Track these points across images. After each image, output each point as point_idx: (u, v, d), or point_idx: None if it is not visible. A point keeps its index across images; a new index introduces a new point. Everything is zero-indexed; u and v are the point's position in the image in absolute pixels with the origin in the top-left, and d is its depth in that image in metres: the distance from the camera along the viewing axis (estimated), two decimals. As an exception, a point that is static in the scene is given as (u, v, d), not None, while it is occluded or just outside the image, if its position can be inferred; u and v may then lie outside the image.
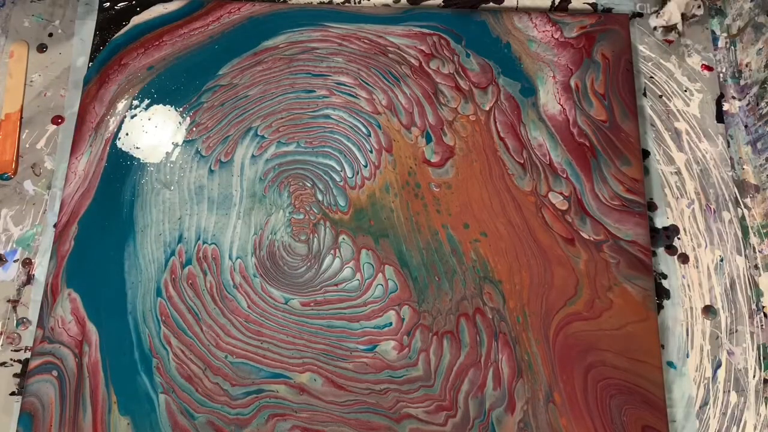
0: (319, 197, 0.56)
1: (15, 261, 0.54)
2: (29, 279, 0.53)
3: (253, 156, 0.59)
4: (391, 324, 0.48)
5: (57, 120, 0.60)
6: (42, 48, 0.62)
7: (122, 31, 0.64)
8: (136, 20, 0.64)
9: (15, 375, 0.51)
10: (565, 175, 0.49)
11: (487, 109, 0.53)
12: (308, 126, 0.60)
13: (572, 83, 0.52)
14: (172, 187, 0.58)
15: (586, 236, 0.47)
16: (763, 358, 0.46)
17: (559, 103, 0.52)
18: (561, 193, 0.49)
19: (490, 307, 0.47)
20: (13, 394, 0.50)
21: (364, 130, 0.57)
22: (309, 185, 0.57)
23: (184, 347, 0.51)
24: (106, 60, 0.63)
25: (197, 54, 0.63)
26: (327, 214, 0.54)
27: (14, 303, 0.53)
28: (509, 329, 0.46)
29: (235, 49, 0.62)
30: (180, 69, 0.62)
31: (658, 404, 0.42)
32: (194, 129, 0.61)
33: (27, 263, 0.54)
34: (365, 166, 0.56)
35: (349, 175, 0.56)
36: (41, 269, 0.54)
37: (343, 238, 0.53)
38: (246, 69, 0.61)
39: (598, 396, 0.43)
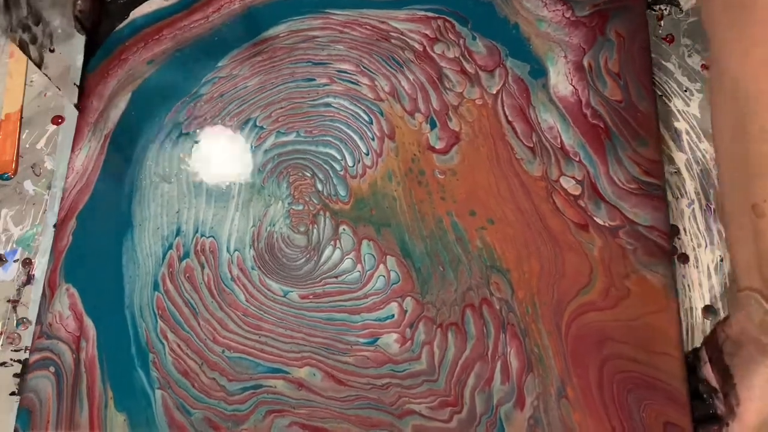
0: (319, 187, 0.55)
1: (15, 261, 0.55)
2: (29, 279, 0.54)
3: (252, 147, 0.60)
4: (393, 316, 0.48)
5: (57, 120, 0.61)
6: (41, 48, 0.61)
7: (122, 25, 0.64)
8: (135, 14, 0.65)
9: (15, 375, 0.52)
10: (577, 159, 0.48)
11: (495, 92, 0.53)
12: (308, 115, 0.60)
13: (585, 63, 0.51)
14: (172, 180, 0.58)
15: (600, 222, 0.46)
16: None
17: (571, 84, 0.51)
18: (573, 178, 0.48)
19: (497, 298, 0.46)
20: (13, 394, 0.51)
21: (365, 117, 0.57)
22: (309, 175, 0.57)
23: (181, 342, 0.51)
24: (106, 55, 0.64)
25: (197, 46, 0.63)
26: (327, 204, 0.54)
27: (14, 303, 0.54)
28: (518, 320, 0.45)
29: (234, 40, 0.63)
30: (179, 62, 0.62)
31: (680, 399, 0.41)
32: (193, 121, 0.61)
33: (27, 263, 0.55)
34: (367, 154, 0.55)
35: (350, 164, 0.55)
36: (41, 269, 0.55)
37: (344, 229, 0.52)
38: (246, 60, 0.61)
39: (614, 390, 0.42)
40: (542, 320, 0.44)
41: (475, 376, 0.44)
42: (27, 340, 0.52)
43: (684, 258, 0.45)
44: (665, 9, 0.55)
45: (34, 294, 0.54)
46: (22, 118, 0.60)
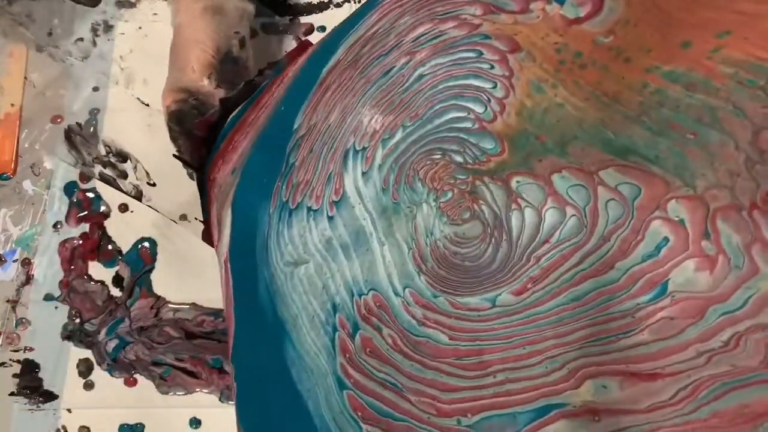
0: (458, 159, 0.39)
1: (14, 261, 0.54)
2: (28, 279, 0.53)
3: (363, 174, 0.45)
4: (666, 240, 0.28)
5: (56, 119, 0.59)
6: (41, 48, 0.61)
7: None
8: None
9: (14, 375, 0.50)
10: None
11: None
12: (403, 103, 0.45)
13: None
14: (305, 259, 0.45)
15: None
16: None
17: None
18: None
19: None
20: (12, 394, 0.49)
21: (470, 55, 0.41)
22: (438, 156, 0.41)
23: None
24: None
25: (270, 127, 0.52)
26: (478, 169, 0.37)
27: (13, 303, 0.52)
28: None
29: (300, 95, 0.52)
30: (259, 151, 0.52)
31: None
32: (296, 191, 0.49)
33: (26, 263, 0.54)
34: (494, 87, 0.38)
35: (480, 110, 0.39)
36: (40, 270, 0.53)
37: (518, 181, 0.35)
38: (317, 104, 0.50)
39: None
40: None
41: None
42: (26, 340, 0.51)
43: None
44: None
45: (33, 294, 0.52)
46: (21, 117, 0.59)
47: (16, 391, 0.49)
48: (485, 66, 0.41)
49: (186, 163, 0.56)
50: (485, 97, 0.40)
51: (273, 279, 0.47)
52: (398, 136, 0.45)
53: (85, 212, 0.57)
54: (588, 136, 0.33)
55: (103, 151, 0.57)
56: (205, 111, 0.56)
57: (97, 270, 0.55)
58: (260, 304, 0.47)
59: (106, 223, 0.57)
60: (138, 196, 0.57)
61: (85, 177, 0.57)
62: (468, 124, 0.41)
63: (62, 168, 0.57)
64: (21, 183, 0.57)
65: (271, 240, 0.49)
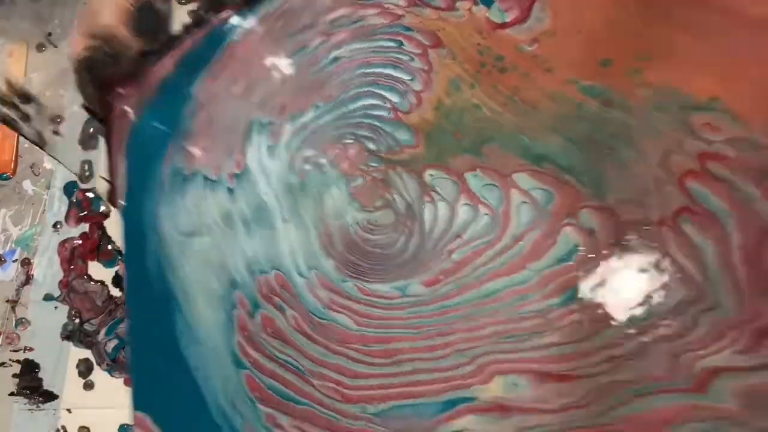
0: (371, 146, 0.38)
1: (14, 261, 0.53)
2: (28, 279, 0.52)
3: (269, 148, 0.43)
4: (577, 246, 0.29)
5: (56, 119, 0.54)
6: (41, 47, 0.57)
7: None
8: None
9: (14, 375, 0.49)
10: None
11: None
12: (320, 81, 0.43)
13: None
14: (203, 234, 0.42)
15: None
16: None
17: None
18: None
19: (722, 141, 0.27)
20: (12, 394, 0.48)
21: (390, 44, 0.40)
22: (351, 141, 0.40)
23: (302, 421, 0.34)
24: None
25: (167, 90, 0.47)
26: (391, 159, 0.37)
27: (13, 303, 0.51)
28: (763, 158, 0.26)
29: (202, 60, 0.47)
30: (155, 112, 0.47)
31: None
32: (191, 159, 0.46)
33: (26, 263, 0.53)
34: (412, 79, 0.38)
35: (397, 100, 0.38)
36: (40, 270, 0.52)
37: (431, 174, 0.35)
38: (221, 71, 0.46)
39: None
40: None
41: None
42: (26, 340, 0.50)
43: None
44: None
45: (33, 294, 0.51)
46: (21, 117, 0.53)
47: (16, 391, 0.48)
48: (405, 57, 0.40)
49: (93, 114, 0.52)
50: (402, 88, 0.40)
51: (162, 245, 0.44)
52: (309, 115, 0.44)
53: (85, 212, 0.54)
54: (504, 140, 0.34)
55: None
56: (119, 61, 0.51)
57: (97, 270, 0.52)
58: (148, 271, 0.44)
59: (106, 223, 0.53)
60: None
61: (85, 177, 0.54)
62: (383, 113, 0.40)
63: (62, 168, 0.54)
64: (21, 183, 0.56)
65: (162, 206, 0.45)
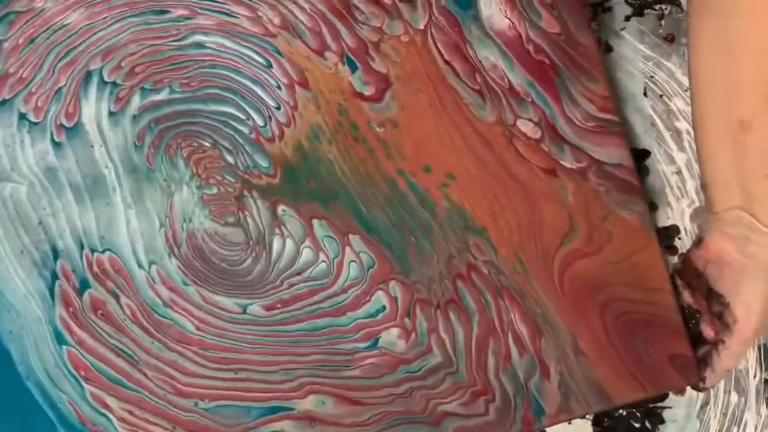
0: (230, 159, 0.42)
1: None
2: None
3: (111, 114, 0.42)
4: (384, 308, 0.40)
5: None
6: None
7: None
8: None
9: None
10: (530, 99, 0.42)
11: (422, 27, 0.42)
12: (176, 60, 0.43)
13: (514, -8, 0.43)
14: (17, 182, 0.40)
15: (567, 165, 0.42)
16: (765, 359, 0.46)
17: (507, 17, 0.42)
18: (531, 120, 0.43)
19: (482, 261, 0.41)
20: None
21: (260, 59, 0.43)
22: (209, 144, 0.42)
23: (132, 406, 0.38)
24: None
25: None
26: (249, 180, 0.42)
27: None
28: (509, 282, 0.41)
29: None
30: None
31: (678, 329, 0.39)
32: (6, 85, 0.41)
33: None
34: (278, 108, 0.42)
35: (260, 123, 0.42)
36: None
37: (284, 210, 0.41)
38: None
39: (621, 334, 0.39)
40: (534, 277, 0.41)
41: (493, 355, 0.40)
42: None
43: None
44: (665, 9, 0.50)
45: None
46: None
47: None
48: (273, 82, 0.43)
49: None
50: (267, 113, 0.44)
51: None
52: (163, 95, 0.43)
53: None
54: (348, 202, 0.42)
55: None
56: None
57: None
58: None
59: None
60: None
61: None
62: (245, 129, 0.43)
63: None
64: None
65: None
